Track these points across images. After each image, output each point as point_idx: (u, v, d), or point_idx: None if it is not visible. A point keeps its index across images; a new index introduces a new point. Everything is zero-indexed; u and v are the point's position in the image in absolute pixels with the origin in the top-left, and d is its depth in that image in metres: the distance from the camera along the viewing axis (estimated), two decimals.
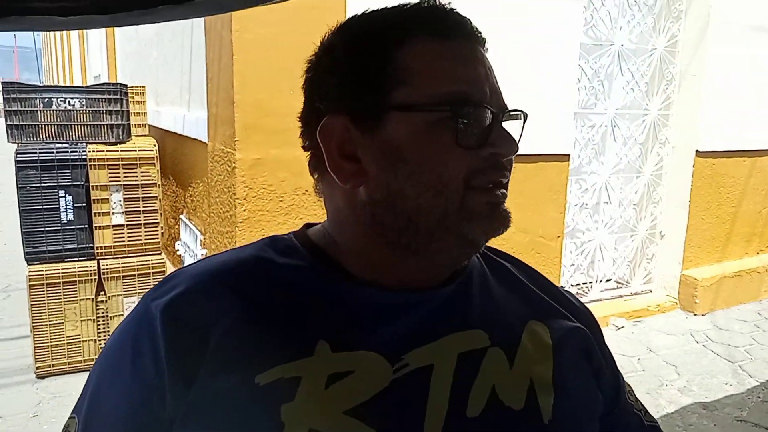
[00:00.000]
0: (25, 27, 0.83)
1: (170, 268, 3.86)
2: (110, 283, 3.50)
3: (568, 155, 3.86)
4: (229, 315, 0.60)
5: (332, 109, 0.63)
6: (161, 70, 4.49)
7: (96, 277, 3.46)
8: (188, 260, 3.73)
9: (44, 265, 3.38)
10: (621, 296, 4.56)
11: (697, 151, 4.42)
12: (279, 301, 0.63)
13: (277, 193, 2.86)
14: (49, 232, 3.38)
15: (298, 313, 0.62)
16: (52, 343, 3.44)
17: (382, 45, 0.62)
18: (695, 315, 4.52)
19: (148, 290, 0.66)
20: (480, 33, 0.66)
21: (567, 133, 3.81)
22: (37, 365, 3.44)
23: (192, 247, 3.78)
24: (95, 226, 3.44)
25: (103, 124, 3.55)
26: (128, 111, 3.60)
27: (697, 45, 4.27)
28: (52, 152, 3.36)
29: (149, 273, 3.56)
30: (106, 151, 3.45)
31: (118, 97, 3.57)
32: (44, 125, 3.48)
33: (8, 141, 3.46)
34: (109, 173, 3.43)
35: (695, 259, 4.62)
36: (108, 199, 3.45)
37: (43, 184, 3.34)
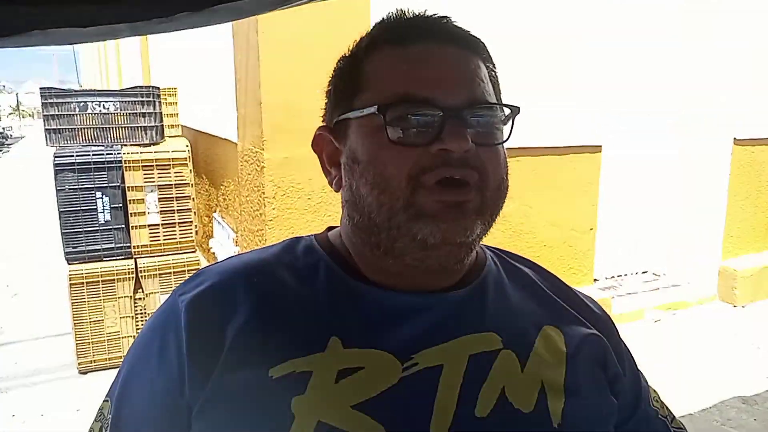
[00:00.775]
0: (48, 41, 0.86)
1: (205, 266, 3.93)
2: (147, 280, 3.59)
3: (600, 146, 3.80)
4: (246, 311, 0.64)
5: (325, 123, 0.71)
6: (193, 71, 4.57)
7: (133, 275, 3.56)
8: (222, 258, 3.80)
9: (83, 265, 3.48)
10: (657, 288, 4.48)
11: (735, 138, 4.30)
12: (295, 299, 0.66)
13: (305, 192, 2.89)
14: (87, 233, 3.48)
15: (312, 310, 0.65)
16: (93, 340, 3.55)
17: (356, 62, 0.67)
18: (735, 307, 4.41)
19: (176, 286, 0.70)
20: (463, 37, 0.67)
21: (598, 124, 3.75)
22: (78, 361, 3.56)
23: (225, 245, 3.84)
24: (131, 226, 3.53)
25: (138, 126, 3.64)
26: (161, 113, 3.68)
27: None
28: (89, 155, 3.46)
29: (184, 270, 3.64)
30: (141, 152, 3.53)
31: (151, 99, 3.65)
32: (81, 129, 3.58)
33: (47, 145, 3.57)
34: (144, 174, 3.51)
35: (734, 250, 4.50)
36: (143, 199, 3.53)
37: (80, 186, 3.44)
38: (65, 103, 3.56)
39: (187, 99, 4.17)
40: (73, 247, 3.48)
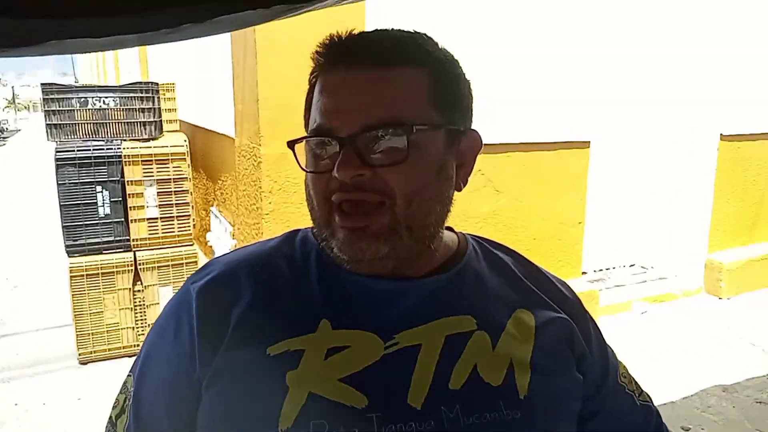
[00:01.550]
0: (63, 50, 0.94)
1: (203, 259, 4.01)
2: (146, 273, 3.67)
3: (589, 142, 3.89)
4: (249, 297, 0.73)
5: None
6: (190, 67, 4.64)
7: (132, 267, 3.64)
8: (219, 251, 3.88)
9: (84, 257, 3.56)
10: (645, 281, 4.58)
11: (721, 134, 4.40)
12: (290, 286, 0.75)
13: (301, 186, 2.93)
14: (87, 226, 3.56)
15: (306, 296, 0.74)
16: (93, 331, 3.63)
17: (312, 83, 0.75)
18: (720, 299, 4.52)
19: (190, 275, 0.80)
20: (383, 54, 0.70)
21: (587, 121, 3.84)
22: (79, 352, 3.64)
23: (222, 238, 3.93)
24: (131, 220, 3.61)
25: (137, 122, 3.71)
26: (160, 108, 3.75)
27: None
28: (90, 149, 3.53)
29: (182, 263, 3.72)
30: (140, 147, 3.61)
31: (150, 95, 3.72)
32: (81, 124, 3.65)
33: (48, 139, 3.64)
34: (143, 169, 3.59)
35: (720, 243, 4.61)
36: (142, 193, 3.61)
37: (81, 180, 3.52)
38: (66, 98, 3.63)
39: (185, 95, 4.24)
40: (74, 240, 3.56)
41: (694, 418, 3.01)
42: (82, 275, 3.54)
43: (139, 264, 3.64)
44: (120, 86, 3.86)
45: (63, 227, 3.56)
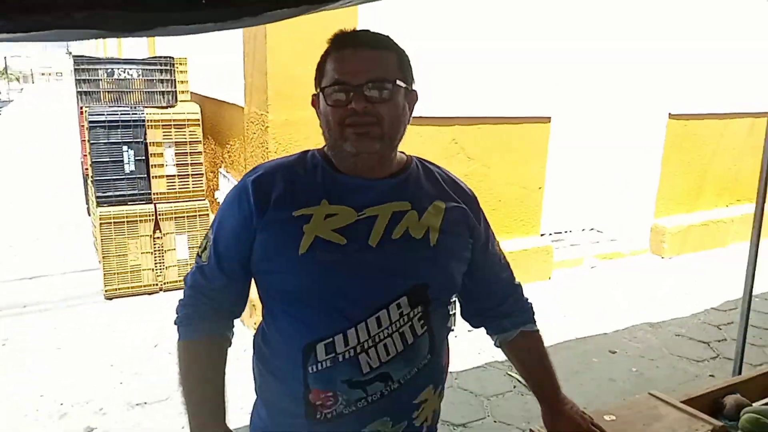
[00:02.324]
0: (147, 33, 1.49)
1: (212, 213, 4.60)
2: (164, 222, 4.25)
3: (550, 117, 4.49)
4: (281, 185, 1.20)
5: (316, 89, 1.23)
6: (201, 43, 5.17)
7: (153, 217, 4.22)
8: None
9: (111, 208, 4.13)
10: (598, 242, 5.22)
11: (669, 113, 5.01)
12: (305, 181, 1.31)
13: (302, 148, 3.52)
14: (115, 181, 4.13)
15: (313, 186, 1.30)
16: (118, 271, 4.22)
17: (323, 59, 1.19)
18: (663, 258, 5.18)
19: (246, 172, 1.35)
20: (373, 42, 1.16)
21: (548, 98, 4.43)
22: (105, 289, 4.23)
23: None
24: (152, 176, 4.18)
25: (156, 91, 4.26)
26: (175, 80, 4.30)
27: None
28: (117, 114, 4.09)
29: (196, 215, 4.31)
30: (161, 113, 4.17)
31: (168, 67, 4.27)
32: (107, 92, 4.20)
33: (78, 105, 4.19)
34: (163, 132, 4.16)
35: (666, 210, 5.25)
36: (162, 153, 4.18)
37: (109, 141, 4.08)
38: (94, 69, 4.17)
39: (196, 68, 4.78)
40: (103, 192, 4.13)
41: (621, 345, 3.65)
42: (110, 223, 4.12)
43: (159, 214, 4.22)
44: (142, 59, 4.40)
45: (93, 181, 4.13)
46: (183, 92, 4.49)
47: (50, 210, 6.68)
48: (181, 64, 4.49)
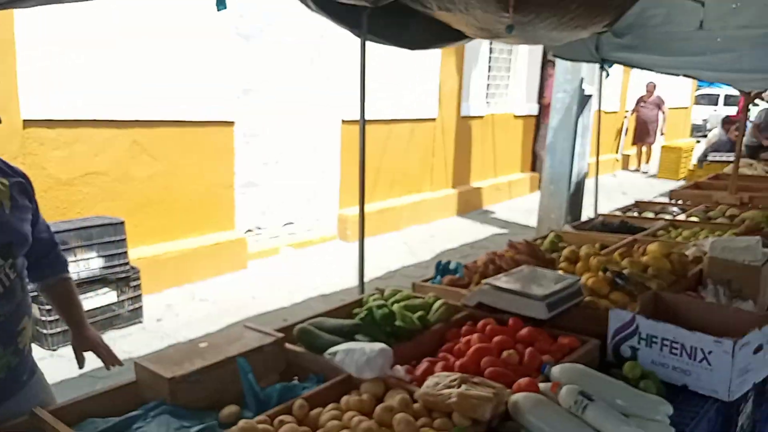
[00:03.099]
0: None
1: None
2: None
3: (233, 122, 4.96)
4: None
5: None
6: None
7: None
8: None
9: None
10: (294, 233, 5.86)
11: (342, 119, 5.86)
12: None
13: None
14: None
15: None
16: None
17: None
18: (348, 243, 6.03)
19: None
20: None
21: (229, 106, 4.90)
22: None
23: None
24: None
25: None
26: None
27: None
28: None
29: None
30: None
31: None
32: None
33: None
34: None
35: (347, 201, 6.11)
36: None
37: None
38: None
39: None
40: None
41: (295, 315, 4.24)
42: None
43: None
44: None
45: None
46: None
47: None
48: None
